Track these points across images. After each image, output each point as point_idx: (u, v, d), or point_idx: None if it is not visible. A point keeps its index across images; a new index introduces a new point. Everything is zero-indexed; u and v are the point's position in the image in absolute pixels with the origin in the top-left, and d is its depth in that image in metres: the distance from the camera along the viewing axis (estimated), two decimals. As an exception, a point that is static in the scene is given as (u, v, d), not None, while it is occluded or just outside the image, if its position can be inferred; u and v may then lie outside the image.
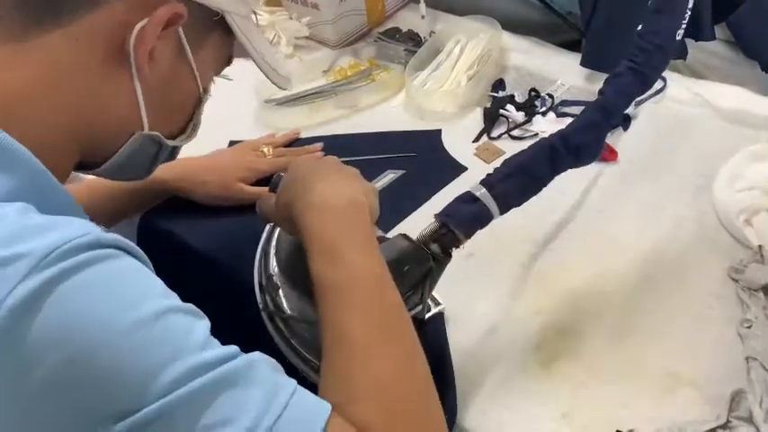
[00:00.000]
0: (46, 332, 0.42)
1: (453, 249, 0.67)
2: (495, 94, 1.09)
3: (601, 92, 0.72)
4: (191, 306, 0.48)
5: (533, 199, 0.89)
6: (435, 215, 0.67)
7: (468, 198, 0.67)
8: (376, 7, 1.29)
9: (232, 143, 1.06)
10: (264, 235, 0.75)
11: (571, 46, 1.19)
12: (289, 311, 0.68)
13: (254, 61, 0.70)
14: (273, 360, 0.49)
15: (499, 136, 1.03)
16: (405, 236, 0.67)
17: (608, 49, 1.09)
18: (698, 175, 0.91)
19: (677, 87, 1.06)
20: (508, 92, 1.10)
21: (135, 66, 0.55)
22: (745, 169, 0.89)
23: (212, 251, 0.90)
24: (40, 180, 0.51)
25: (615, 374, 0.71)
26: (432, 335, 0.72)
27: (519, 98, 1.08)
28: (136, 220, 0.97)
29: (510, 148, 1.00)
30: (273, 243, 0.73)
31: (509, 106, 1.06)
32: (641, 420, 0.66)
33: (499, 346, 0.75)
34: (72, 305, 0.42)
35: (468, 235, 0.66)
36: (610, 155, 0.96)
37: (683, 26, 0.69)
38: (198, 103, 0.66)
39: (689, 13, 0.69)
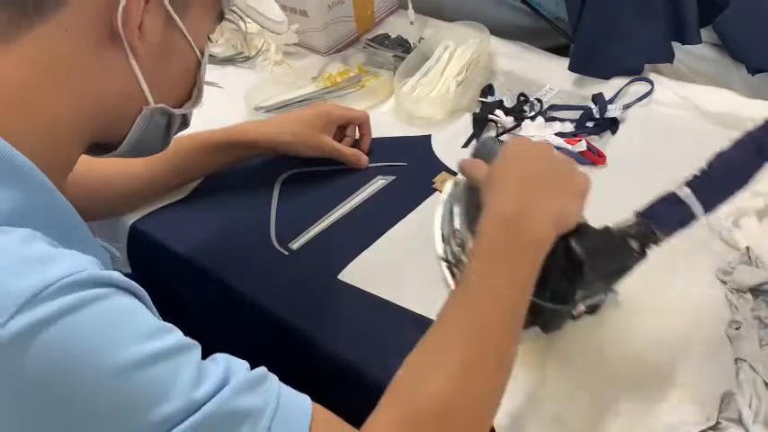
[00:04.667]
0: (31, 371, 0.42)
1: (648, 248, 0.66)
2: (485, 100, 1.10)
3: None
4: (180, 340, 0.49)
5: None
6: (637, 213, 0.67)
7: (673, 200, 0.67)
8: (365, 14, 1.29)
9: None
10: (450, 190, 0.76)
11: (559, 51, 1.20)
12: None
13: (240, 10, 0.73)
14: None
15: (488, 141, 1.03)
16: (610, 229, 0.67)
17: (595, 54, 1.10)
18: (685, 177, 0.91)
19: (664, 90, 1.06)
20: (497, 97, 1.11)
21: (127, 43, 0.56)
22: (733, 172, 0.89)
23: (202, 260, 0.90)
24: (44, 197, 0.52)
25: (607, 376, 0.71)
26: None
27: (508, 103, 1.09)
28: (127, 227, 0.97)
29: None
30: (461, 202, 0.74)
31: (498, 111, 1.06)
32: (633, 423, 0.66)
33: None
34: (56, 349, 0.42)
35: (670, 235, 0.66)
36: (597, 158, 0.96)
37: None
38: (198, 66, 0.67)
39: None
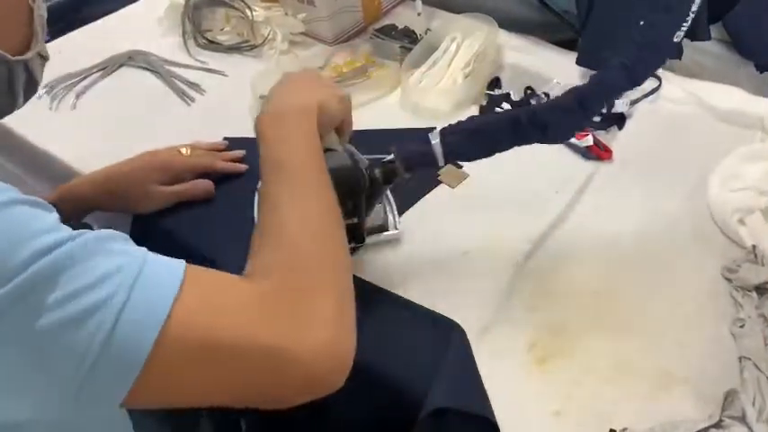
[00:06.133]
0: None
1: (393, 179, 0.75)
2: (491, 93, 1.09)
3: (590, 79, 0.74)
4: (37, 199, 0.50)
5: (528, 198, 0.90)
6: (393, 146, 0.74)
7: (422, 138, 0.72)
8: (372, 4, 1.28)
9: (226, 139, 1.05)
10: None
11: (567, 45, 1.19)
12: None
13: None
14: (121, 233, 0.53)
15: (494, 134, 1.03)
16: (351, 153, 0.75)
17: (604, 48, 1.09)
18: (692, 174, 0.91)
19: (672, 87, 1.06)
20: (504, 90, 1.10)
21: None
22: (740, 169, 0.89)
23: (204, 247, 0.90)
24: None
25: (609, 373, 0.71)
26: (455, 353, 0.73)
27: (515, 96, 1.08)
28: (129, 219, 0.97)
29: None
30: None
31: (505, 104, 1.06)
32: (634, 419, 0.66)
33: (493, 344, 0.75)
34: None
35: (408, 171, 0.73)
36: (604, 153, 0.96)
37: (683, 29, 0.69)
38: (30, 12, 0.64)
39: (691, 16, 0.69)
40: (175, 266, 0.51)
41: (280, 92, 0.74)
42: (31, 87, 0.68)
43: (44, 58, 0.68)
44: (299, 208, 0.62)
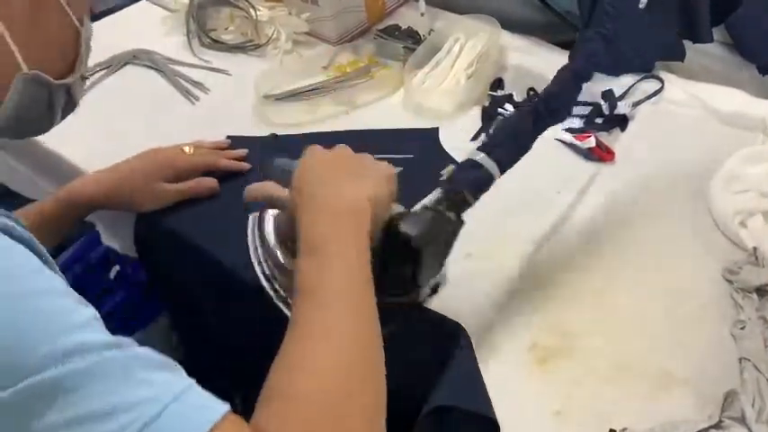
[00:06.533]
0: None
1: (463, 214, 0.70)
2: (494, 93, 1.10)
3: (570, 57, 0.80)
4: (74, 294, 0.46)
5: (530, 199, 0.91)
6: (442, 184, 0.71)
7: (471, 164, 0.71)
8: (376, 4, 1.29)
9: (229, 138, 1.06)
10: (254, 222, 0.75)
11: (569, 46, 1.19)
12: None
13: None
14: (164, 357, 0.46)
15: (497, 135, 1.03)
16: (425, 207, 0.69)
17: (607, 50, 1.09)
18: (694, 176, 0.91)
19: (674, 89, 1.06)
20: (507, 91, 1.10)
21: None
22: (741, 171, 0.89)
23: (208, 245, 0.91)
24: None
25: (609, 373, 0.71)
26: (458, 353, 0.73)
27: (517, 97, 1.09)
28: (132, 217, 0.97)
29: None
30: (271, 226, 0.74)
31: (507, 105, 1.06)
32: (634, 419, 0.66)
33: (494, 344, 0.75)
34: None
35: (476, 197, 0.70)
36: (607, 155, 0.96)
37: None
38: (77, 37, 0.63)
39: None
40: (207, 416, 0.44)
41: (317, 177, 0.64)
42: (69, 107, 0.67)
43: (85, 78, 0.67)
44: (335, 341, 0.53)
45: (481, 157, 0.70)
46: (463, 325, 0.75)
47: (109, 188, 0.92)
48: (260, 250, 0.74)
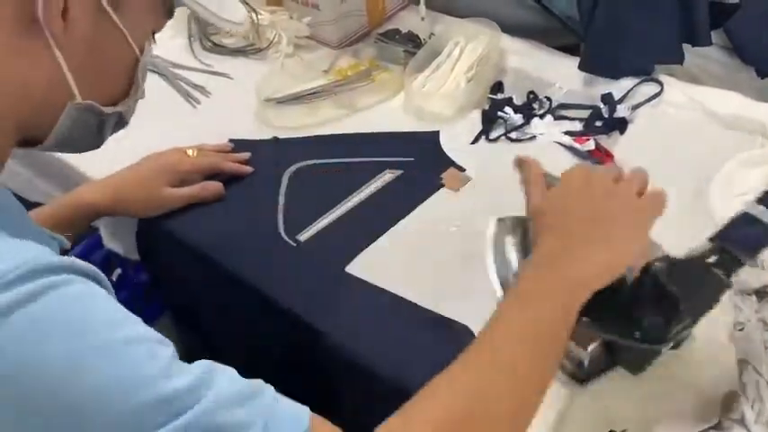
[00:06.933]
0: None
1: (736, 275, 0.63)
2: (494, 97, 1.10)
3: None
4: (148, 330, 0.48)
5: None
6: (712, 240, 0.65)
7: (748, 220, 0.65)
8: (376, 8, 1.29)
9: (231, 141, 1.06)
10: (494, 229, 0.73)
11: (570, 50, 1.20)
12: None
13: (189, 8, 0.66)
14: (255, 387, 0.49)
15: (497, 138, 1.04)
16: (695, 261, 0.64)
17: (606, 54, 1.10)
18: (693, 179, 0.92)
19: (673, 92, 1.06)
20: (506, 94, 1.11)
21: (48, 32, 0.52)
22: (741, 174, 0.89)
23: (210, 250, 0.91)
24: None
25: (610, 375, 0.72)
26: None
27: (517, 101, 1.09)
28: (135, 222, 0.98)
29: (507, 150, 1.01)
30: (515, 242, 0.72)
31: (507, 108, 1.06)
32: (634, 419, 0.67)
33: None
34: (13, 349, 0.41)
35: (754, 258, 0.64)
36: (606, 158, 0.97)
37: None
38: (135, 64, 0.62)
39: None
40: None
41: (580, 211, 0.63)
42: (119, 126, 0.66)
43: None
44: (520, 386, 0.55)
45: (760, 210, 0.64)
46: (471, 328, 0.76)
47: (115, 195, 0.92)
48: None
